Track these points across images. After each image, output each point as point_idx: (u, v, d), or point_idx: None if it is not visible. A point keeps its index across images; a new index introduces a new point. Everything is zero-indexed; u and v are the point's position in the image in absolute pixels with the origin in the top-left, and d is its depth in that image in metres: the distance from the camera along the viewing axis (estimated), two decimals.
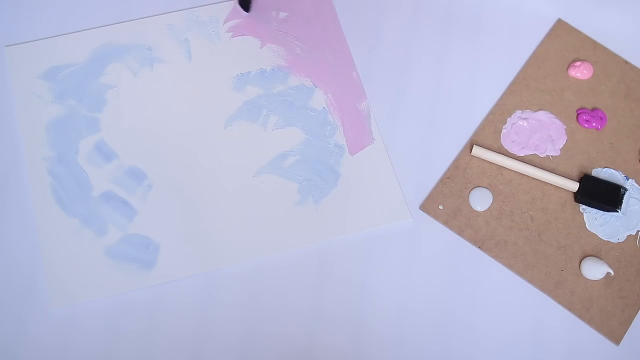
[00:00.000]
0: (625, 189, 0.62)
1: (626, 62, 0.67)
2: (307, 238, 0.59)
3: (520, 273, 0.59)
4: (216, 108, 0.63)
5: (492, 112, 0.65)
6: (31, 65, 0.63)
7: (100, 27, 0.65)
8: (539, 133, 0.64)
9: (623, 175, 0.63)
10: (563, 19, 0.69)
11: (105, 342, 0.55)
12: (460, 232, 0.60)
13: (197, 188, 0.60)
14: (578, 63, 0.66)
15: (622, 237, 0.61)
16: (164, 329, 0.56)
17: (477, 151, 0.62)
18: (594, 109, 0.65)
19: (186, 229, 0.59)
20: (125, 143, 0.61)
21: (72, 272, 0.56)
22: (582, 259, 0.60)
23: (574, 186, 0.61)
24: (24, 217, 0.58)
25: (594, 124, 0.64)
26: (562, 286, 0.59)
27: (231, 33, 0.66)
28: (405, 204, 0.61)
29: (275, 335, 0.56)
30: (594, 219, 0.61)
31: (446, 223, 0.60)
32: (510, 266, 0.59)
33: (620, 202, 0.61)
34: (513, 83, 0.66)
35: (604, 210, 0.61)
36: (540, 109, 0.65)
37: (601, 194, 0.61)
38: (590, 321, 0.58)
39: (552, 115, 0.65)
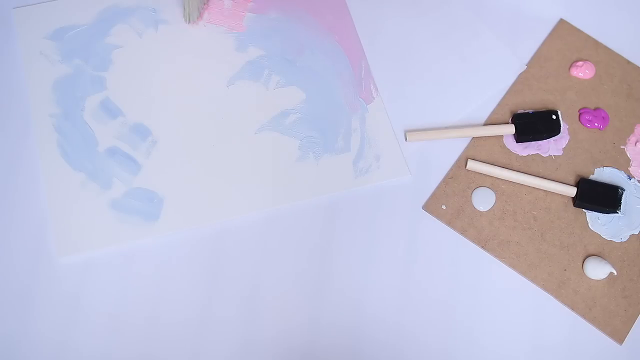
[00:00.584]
0: (623, 189, 0.62)
1: (628, 62, 0.67)
2: (308, 192, 0.61)
3: (523, 273, 0.59)
4: (219, 67, 0.65)
5: (494, 112, 0.65)
6: (39, 27, 0.65)
7: None
8: None
9: (625, 175, 0.63)
10: (565, 19, 0.69)
11: (115, 292, 0.56)
12: (463, 232, 0.60)
13: (200, 144, 0.62)
14: (580, 63, 0.66)
15: (624, 237, 0.61)
16: (172, 279, 0.57)
17: (472, 165, 0.62)
18: (596, 109, 0.65)
19: (189, 183, 0.60)
20: (130, 101, 0.63)
21: (78, 223, 0.58)
22: (585, 258, 0.60)
23: (572, 191, 0.61)
24: (32, 172, 0.59)
25: (596, 124, 0.64)
26: (565, 286, 0.59)
27: None
28: (404, 160, 0.62)
29: (279, 288, 0.57)
30: (596, 218, 0.61)
31: (449, 223, 0.60)
32: (513, 266, 0.59)
33: (619, 203, 0.61)
34: (515, 83, 0.66)
35: (603, 212, 0.61)
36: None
37: (599, 197, 0.61)
38: (593, 321, 0.58)
39: None
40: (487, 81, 0.66)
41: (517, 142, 0.63)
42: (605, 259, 0.59)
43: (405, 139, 0.63)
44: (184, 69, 0.64)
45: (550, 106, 0.65)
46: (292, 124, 0.63)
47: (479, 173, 0.62)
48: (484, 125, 0.64)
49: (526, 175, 0.61)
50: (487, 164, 0.62)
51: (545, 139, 0.63)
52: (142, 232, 0.58)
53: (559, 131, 0.63)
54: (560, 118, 0.63)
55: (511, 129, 0.62)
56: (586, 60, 0.67)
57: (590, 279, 0.59)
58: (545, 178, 0.62)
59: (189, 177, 0.60)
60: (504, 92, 0.65)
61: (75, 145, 0.61)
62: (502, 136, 0.64)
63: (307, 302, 0.57)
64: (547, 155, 0.63)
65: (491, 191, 0.61)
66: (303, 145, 0.62)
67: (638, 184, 0.62)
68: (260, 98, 0.64)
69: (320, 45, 0.66)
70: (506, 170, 0.62)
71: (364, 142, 0.63)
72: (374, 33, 0.67)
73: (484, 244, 0.60)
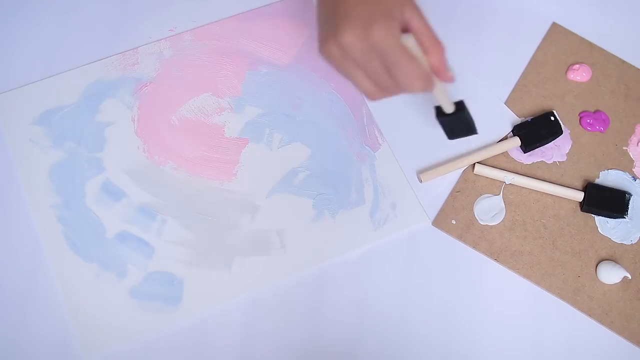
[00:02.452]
0: (631, 195, 0.62)
1: (623, 62, 0.67)
2: (329, 252, 0.58)
3: (537, 282, 0.59)
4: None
5: None
6: (23, 112, 0.61)
7: (88, 64, 0.63)
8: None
9: (630, 176, 0.63)
10: (557, 22, 0.69)
11: None
12: (475, 246, 0.60)
13: (211, 216, 0.59)
14: (576, 66, 0.66)
15: (634, 239, 0.61)
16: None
17: (479, 169, 0.61)
18: (596, 111, 0.65)
19: (208, 258, 0.57)
20: (132, 180, 0.59)
21: (99, 318, 0.55)
22: (598, 263, 0.60)
23: (579, 196, 0.61)
24: (42, 270, 0.56)
25: (597, 127, 0.64)
26: (580, 293, 0.59)
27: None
28: (421, 206, 0.60)
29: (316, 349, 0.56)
30: (605, 222, 0.61)
31: (460, 237, 0.60)
32: (527, 276, 0.59)
33: (627, 208, 0.61)
34: (514, 90, 0.65)
35: (611, 217, 0.61)
36: None
37: (606, 202, 0.61)
38: (610, 325, 0.58)
39: None
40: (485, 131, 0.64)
41: (525, 152, 0.62)
42: (618, 263, 0.59)
43: (420, 181, 0.61)
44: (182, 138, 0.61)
45: None
46: (302, 182, 0.60)
47: (485, 185, 0.61)
48: (490, 145, 0.63)
49: (533, 179, 0.61)
50: (494, 168, 0.62)
51: (551, 141, 0.62)
52: (167, 318, 0.55)
53: (562, 130, 0.62)
54: (557, 117, 0.63)
55: (517, 141, 0.62)
56: (582, 62, 0.67)
57: (604, 283, 0.59)
58: (552, 182, 0.62)
59: (205, 252, 0.57)
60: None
61: (82, 235, 0.57)
62: None
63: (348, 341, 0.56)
64: (552, 162, 0.63)
65: (500, 202, 0.61)
66: (317, 203, 0.60)
67: None
68: (265, 159, 0.61)
69: (318, 95, 0.64)
70: (512, 173, 0.61)
71: (377, 192, 0.60)
72: None
73: (496, 256, 0.59)
